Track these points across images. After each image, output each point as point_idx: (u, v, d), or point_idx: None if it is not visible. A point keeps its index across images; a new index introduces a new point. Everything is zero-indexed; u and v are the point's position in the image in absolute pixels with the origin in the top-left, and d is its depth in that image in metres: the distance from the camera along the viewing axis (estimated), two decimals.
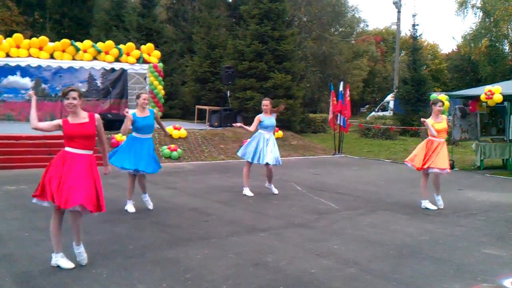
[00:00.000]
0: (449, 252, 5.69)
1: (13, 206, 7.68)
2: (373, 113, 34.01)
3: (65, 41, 17.16)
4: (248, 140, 9.17)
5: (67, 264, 4.87)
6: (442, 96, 13.91)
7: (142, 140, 7.37)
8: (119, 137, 13.47)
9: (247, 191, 9.01)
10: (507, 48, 34.22)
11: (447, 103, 13.77)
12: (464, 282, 4.74)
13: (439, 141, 8.07)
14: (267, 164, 8.78)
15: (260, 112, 9.04)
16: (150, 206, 7.63)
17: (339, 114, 16.52)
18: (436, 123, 8.11)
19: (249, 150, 8.86)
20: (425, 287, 4.60)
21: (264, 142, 8.80)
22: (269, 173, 9.05)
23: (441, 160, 7.99)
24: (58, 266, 4.86)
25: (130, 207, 7.47)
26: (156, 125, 7.60)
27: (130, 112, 7.17)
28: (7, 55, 16.24)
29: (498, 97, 12.25)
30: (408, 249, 5.78)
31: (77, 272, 4.79)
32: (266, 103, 8.93)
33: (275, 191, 9.22)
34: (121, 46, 18.43)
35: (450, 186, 9.81)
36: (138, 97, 7.44)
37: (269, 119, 8.89)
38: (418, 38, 29.41)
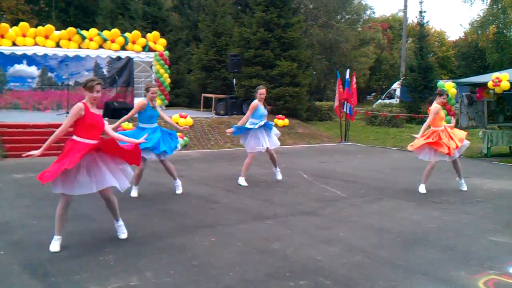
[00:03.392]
0: (456, 240, 5.69)
1: (21, 194, 7.74)
2: (380, 100, 33.84)
3: (71, 29, 17.14)
4: (246, 135, 8.93)
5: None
6: (449, 84, 13.84)
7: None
8: (126, 125, 13.48)
9: (242, 181, 8.84)
10: None
11: (454, 90, 13.69)
12: (471, 269, 4.74)
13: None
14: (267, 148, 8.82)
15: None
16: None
17: (345, 102, 16.47)
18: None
19: (255, 142, 8.75)
20: (431, 274, 4.60)
21: (262, 130, 8.83)
22: (272, 156, 9.07)
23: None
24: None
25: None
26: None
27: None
28: (14, 44, 16.25)
29: (505, 84, 12.17)
30: (414, 237, 5.78)
31: (85, 259, 4.83)
32: (263, 91, 8.92)
33: (280, 176, 9.29)
34: (127, 34, 18.41)
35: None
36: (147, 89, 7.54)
37: (263, 107, 8.90)
38: (425, 25, 29.13)
